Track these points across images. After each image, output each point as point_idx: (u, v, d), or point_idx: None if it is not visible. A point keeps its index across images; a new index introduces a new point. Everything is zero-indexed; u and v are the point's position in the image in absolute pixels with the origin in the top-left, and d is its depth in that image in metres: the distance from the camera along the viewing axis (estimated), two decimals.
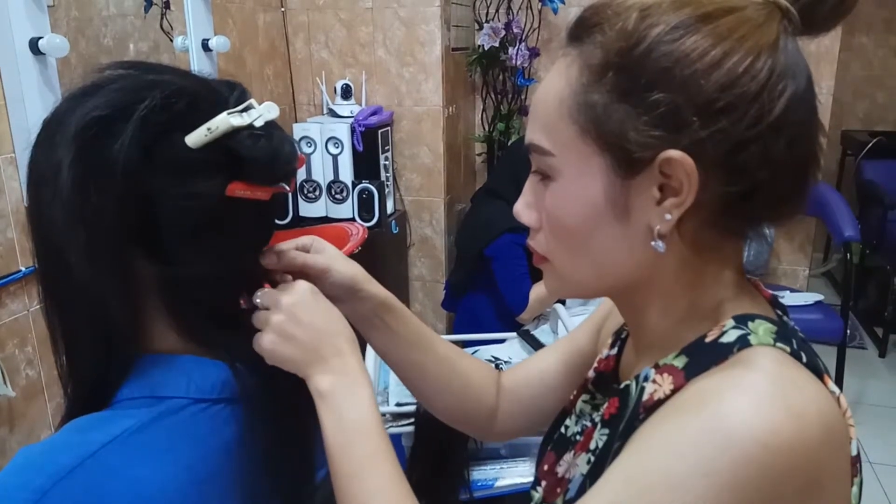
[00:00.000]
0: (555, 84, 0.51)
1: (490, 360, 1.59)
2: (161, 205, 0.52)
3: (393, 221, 2.37)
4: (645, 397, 0.50)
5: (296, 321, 0.57)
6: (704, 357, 0.48)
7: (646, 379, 0.52)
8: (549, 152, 0.51)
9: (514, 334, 1.71)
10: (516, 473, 1.40)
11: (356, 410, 0.55)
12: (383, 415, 1.33)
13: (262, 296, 0.59)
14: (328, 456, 0.55)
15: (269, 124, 0.55)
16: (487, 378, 0.77)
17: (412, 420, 1.34)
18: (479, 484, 1.38)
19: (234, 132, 0.53)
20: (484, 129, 2.77)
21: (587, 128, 0.48)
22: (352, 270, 0.67)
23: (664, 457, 0.42)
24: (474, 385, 0.75)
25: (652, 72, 0.46)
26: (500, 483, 1.38)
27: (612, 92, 0.47)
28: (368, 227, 2.15)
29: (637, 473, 0.43)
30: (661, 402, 0.48)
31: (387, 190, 2.32)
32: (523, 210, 0.55)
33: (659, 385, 0.49)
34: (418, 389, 0.75)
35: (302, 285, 0.59)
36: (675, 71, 0.45)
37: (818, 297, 2.49)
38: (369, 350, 1.18)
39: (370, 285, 0.68)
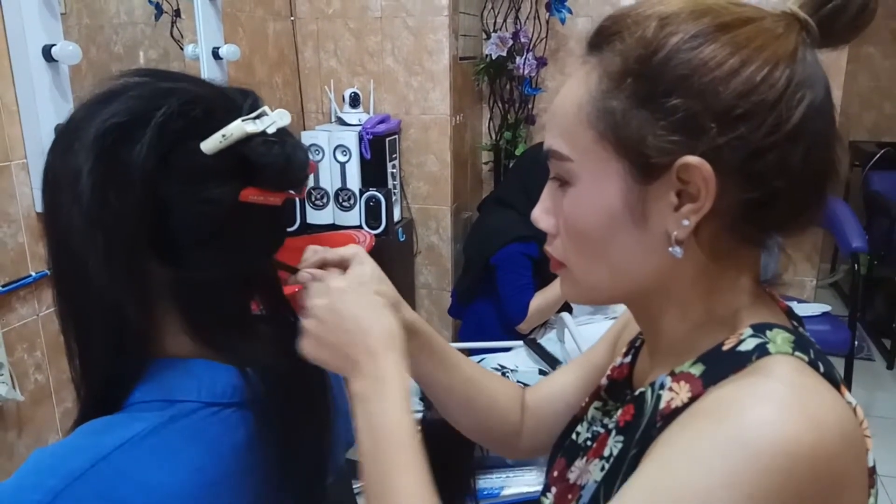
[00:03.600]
0: (574, 91, 0.51)
1: (496, 369, 1.59)
2: (176, 210, 0.53)
3: (400, 229, 2.37)
4: (662, 405, 0.50)
5: (325, 328, 0.58)
6: (722, 365, 0.48)
7: (661, 387, 0.52)
8: (568, 158, 0.51)
9: (521, 342, 1.70)
10: (523, 482, 1.39)
11: (383, 415, 0.55)
12: None
13: (305, 294, 0.60)
14: (359, 459, 0.55)
15: (282, 131, 0.56)
16: (512, 398, 0.77)
17: (418, 428, 1.33)
18: (486, 493, 1.37)
19: (248, 139, 0.53)
20: (491, 137, 2.77)
21: (605, 133, 0.49)
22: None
23: (687, 468, 0.42)
24: (499, 405, 0.75)
25: (670, 79, 0.46)
26: (506, 492, 1.37)
27: (631, 98, 0.47)
28: (375, 235, 2.16)
29: (659, 486, 0.43)
30: (678, 411, 0.48)
31: (394, 198, 2.32)
32: (541, 216, 0.55)
33: (676, 393, 0.49)
34: (444, 407, 0.75)
35: (332, 286, 0.59)
36: (694, 78, 0.45)
37: (825, 308, 2.48)
38: None
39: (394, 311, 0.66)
